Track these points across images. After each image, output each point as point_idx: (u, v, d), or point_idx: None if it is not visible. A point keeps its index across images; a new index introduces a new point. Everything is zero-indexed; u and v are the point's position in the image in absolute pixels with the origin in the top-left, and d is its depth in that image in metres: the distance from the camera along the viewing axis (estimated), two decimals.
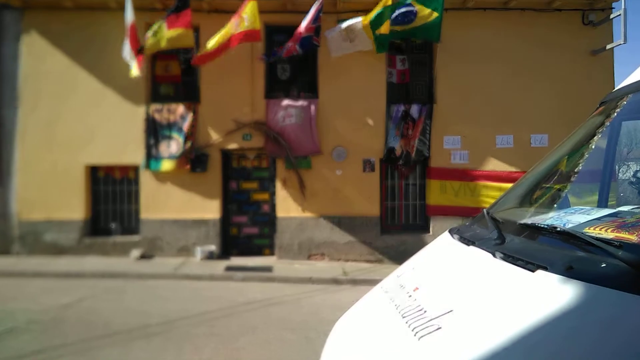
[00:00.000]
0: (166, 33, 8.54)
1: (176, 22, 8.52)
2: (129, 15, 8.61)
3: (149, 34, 8.59)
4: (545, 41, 9.40)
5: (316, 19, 8.57)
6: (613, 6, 9.32)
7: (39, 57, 9.40)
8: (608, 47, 9.13)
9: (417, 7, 8.44)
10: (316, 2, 8.56)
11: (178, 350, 4.84)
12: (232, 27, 8.50)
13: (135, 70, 8.73)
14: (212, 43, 8.55)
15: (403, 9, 8.45)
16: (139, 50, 8.60)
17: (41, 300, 6.66)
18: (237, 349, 4.93)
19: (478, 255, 1.80)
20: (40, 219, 9.42)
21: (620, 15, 8.48)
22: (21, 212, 9.48)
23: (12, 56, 9.44)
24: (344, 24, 8.61)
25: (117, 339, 5.15)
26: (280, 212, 9.60)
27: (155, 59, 9.73)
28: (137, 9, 8.76)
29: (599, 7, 9.28)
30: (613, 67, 9.46)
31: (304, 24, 8.54)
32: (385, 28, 8.37)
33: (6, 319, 5.73)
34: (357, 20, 8.50)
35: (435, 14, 8.42)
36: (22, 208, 9.47)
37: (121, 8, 8.77)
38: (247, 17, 8.38)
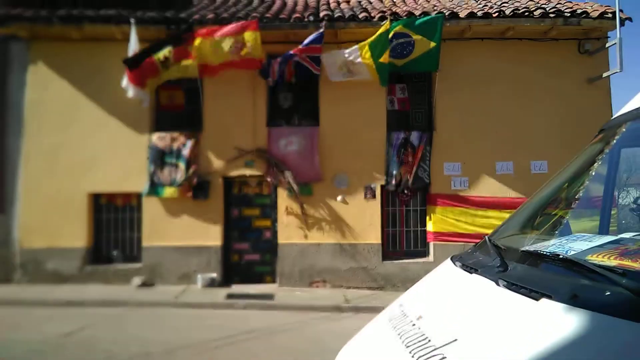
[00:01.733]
0: (174, 64, 8.77)
1: (182, 53, 8.73)
2: (133, 46, 8.81)
3: (159, 65, 8.81)
4: (543, 70, 9.52)
5: (311, 43, 8.73)
6: (608, 35, 9.48)
7: (44, 86, 9.54)
8: (604, 75, 9.24)
9: (415, 38, 8.62)
10: (317, 31, 8.77)
11: None
12: (232, 48, 8.67)
13: (131, 92, 8.92)
14: (210, 57, 8.75)
15: (401, 40, 8.64)
16: (130, 63, 8.76)
17: (42, 329, 6.60)
18: None
19: (481, 283, 1.79)
20: (42, 247, 9.38)
21: (615, 44, 8.59)
22: (23, 240, 9.45)
23: (18, 85, 9.58)
24: (342, 57, 8.78)
25: None
26: (282, 239, 9.58)
27: (159, 88, 9.86)
28: (142, 39, 8.97)
29: (594, 37, 9.43)
30: (610, 95, 9.53)
31: (300, 49, 8.72)
32: (385, 57, 8.55)
33: (6, 348, 5.68)
34: (354, 53, 8.65)
35: (433, 44, 8.60)
36: (24, 236, 9.45)
37: (126, 39, 8.94)
38: (250, 46, 8.56)
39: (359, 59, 8.65)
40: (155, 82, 9.15)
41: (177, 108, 9.98)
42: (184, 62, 8.82)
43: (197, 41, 8.65)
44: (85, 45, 9.54)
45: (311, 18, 9.15)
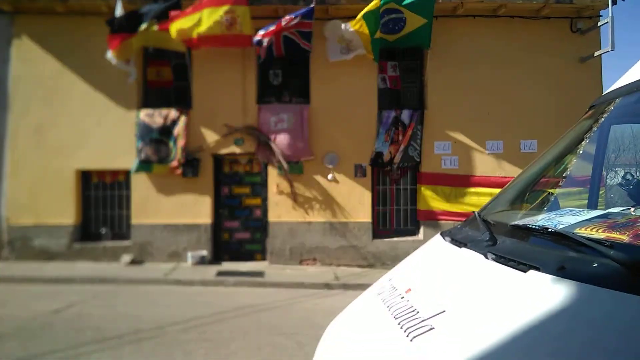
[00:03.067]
0: (157, 34, 8.59)
1: (167, 23, 8.56)
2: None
3: (140, 29, 8.62)
4: (535, 48, 9.51)
5: (302, 18, 8.58)
6: (600, 14, 9.46)
7: (29, 62, 9.37)
8: (596, 54, 9.24)
9: (407, 14, 8.52)
10: (307, 7, 8.63)
11: (169, 356, 4.81)
12: (221, 22, 8.52)
13: (114, 60, 8.77)
14: (199, 28, 8.59)
15: (393, 16, 8.53)
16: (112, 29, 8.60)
17: (30, 306, 6.59)
18: (228, 355, 4.91)
19: (470, 257, 1.80)
20: (30, 224, 9.35)
21: (607, 22, 8.58)
22: (10, 217, 9.39)
23: (2, 60, 9.40)
24: (340, 30, 8.66)
25: (107, 344, 5.10)
26: (272, 217, 9.59)
27: (147, 64, 9.71)
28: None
29: (586, 15, 9.41)
30: (601, 74, 9.57)
31: (287, 18, 8.56)
32: (377, 33, 8.47)
33: None
34: (349, 28, 8.55)
35: (425, 20, 8.51)
36: (12, 213, 9.39)
37: (113, 13, 8.75)
38: (239, 22, 8.42)
39: (354, 32, 8.55)
40: (134, 46, 8.87)
41: (165, 84, 9.86)
42: (168, 32, 8.64)
43: (180, 22, 8.50)
44: (71, 19, 9.35)
45: None
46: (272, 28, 8.62)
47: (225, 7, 8.45)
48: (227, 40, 8.66)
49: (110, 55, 8.79)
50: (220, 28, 8.53)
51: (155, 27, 8.61)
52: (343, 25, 8.72)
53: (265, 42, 8.72)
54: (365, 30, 8.39)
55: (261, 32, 8.69)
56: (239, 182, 9.93)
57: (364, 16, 8.34)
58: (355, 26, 8.46)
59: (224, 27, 8.53)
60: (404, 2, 8.45)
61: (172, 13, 8.59)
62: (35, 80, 9.37)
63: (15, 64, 9.38)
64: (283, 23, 8.56)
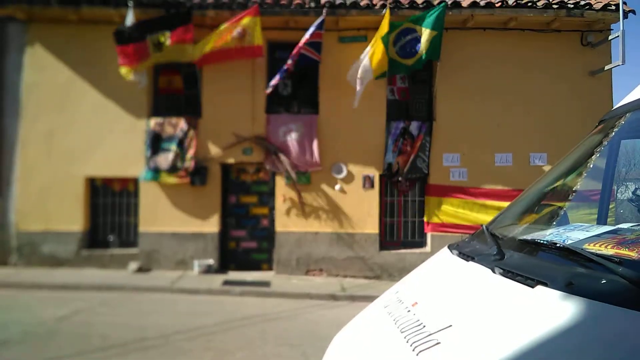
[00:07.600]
0: (169, 47, 8.70)
1: (179, 36, 8.66)
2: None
3: (152, 47, 8.73)
4: (545, 61, 9.47)
5: (313, 33, 8.64)
6: (611, 27, 9.42)
7: (41, 69, 9.48)
8: (606, 67, 9.18)
9: (420, 32, 8.52)
10: (317, 19, 8.69)
11: None
12: (232, 36, 8.64)
13: (125, 72, 8.85)
14: (210, 45, 8.74)
15: (409, 37, 8.56)
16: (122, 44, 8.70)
17: (37, 312, 6.62)
18: None
19: (477, 271, 1.79)
20: (39, 230, 9.39)
21: (618, 36, 8.53)
22: (19, 223, 9.45)
23: (15, 67, 9.51)
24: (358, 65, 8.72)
25: (112, 352, 5.11)
26: (279, 227, 9.58)
27: (158, 73, 9.80)
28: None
29: (597, 29, 9.37)
30: (611, 88, 9.50)
31: (302, 41, 8.64)
32: (392, 52, 8.52)
33: (0, 330, 5.68)
34: (364, 64, 8.58)
35: (434, 33, 8.52)
36: (21, 218, 9.44)
37: (124, 22, 8.85)
38: (250, 33, 8.52)
39: (367, 59, 8.58)
40: (147, 64, 9.01)
41: (175, 93, 9.92)
42: (181, 45, 8.74)
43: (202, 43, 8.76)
44: (83, 28, 9.44)
45: (312, 4, 9.05)
46: (289, 62, 8.67)
47: (237, 23, 8.59)
48: (237, 52, 8.76)
49: (123, 71, 8.88)
50: (232, 41, 8.65)
51: (168, 42, 8.70)
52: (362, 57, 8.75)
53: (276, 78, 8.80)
54: (380, 49, 8.39)
55: (275, 79, 8.81)
56: (246, 191, 9.94)
57: (382, 38, 8.35)
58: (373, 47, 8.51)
59: (235, 40, 8.65)
60: (417, 21, 8.50)
61: (185, 30, 8.70)
62: (47, 88, 9.47)
63: (28, 71, 9.49)
64: (300, 45, 8.63)
